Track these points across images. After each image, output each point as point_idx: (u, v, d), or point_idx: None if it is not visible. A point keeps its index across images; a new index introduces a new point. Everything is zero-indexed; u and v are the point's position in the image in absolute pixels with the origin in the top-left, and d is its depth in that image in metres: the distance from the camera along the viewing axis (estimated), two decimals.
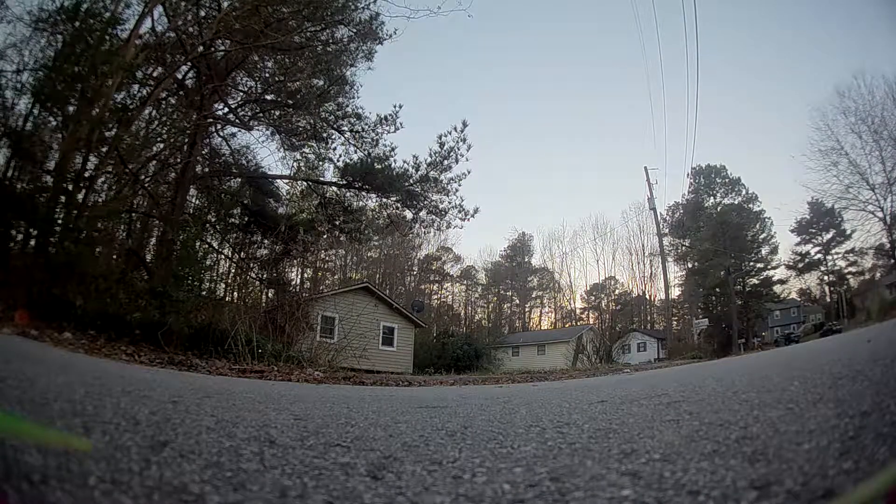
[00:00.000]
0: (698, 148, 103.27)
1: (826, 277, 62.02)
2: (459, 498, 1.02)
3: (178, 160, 15.46)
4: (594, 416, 2.32)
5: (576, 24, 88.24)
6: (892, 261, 40.67)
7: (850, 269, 60.00)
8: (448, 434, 1.92)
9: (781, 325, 59.49)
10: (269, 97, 17.58)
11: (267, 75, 17.59)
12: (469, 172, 18.39)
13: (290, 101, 16.98)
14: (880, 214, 38.67)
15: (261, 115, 17.99)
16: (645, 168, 41.17)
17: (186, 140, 14.92)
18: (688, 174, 54.97)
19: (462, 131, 17.70)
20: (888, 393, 1.71)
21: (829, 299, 60.61)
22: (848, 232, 52.56)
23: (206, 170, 17.67)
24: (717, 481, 1.00)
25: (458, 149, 17.72)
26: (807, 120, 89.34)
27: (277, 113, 18.02)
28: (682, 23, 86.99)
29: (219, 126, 17.39)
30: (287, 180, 19.41)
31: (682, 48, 79.88)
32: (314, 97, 16.70)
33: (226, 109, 17.17)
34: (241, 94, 17.76)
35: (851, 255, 56.77)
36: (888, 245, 40.59)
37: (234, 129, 18.01)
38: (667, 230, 54.96)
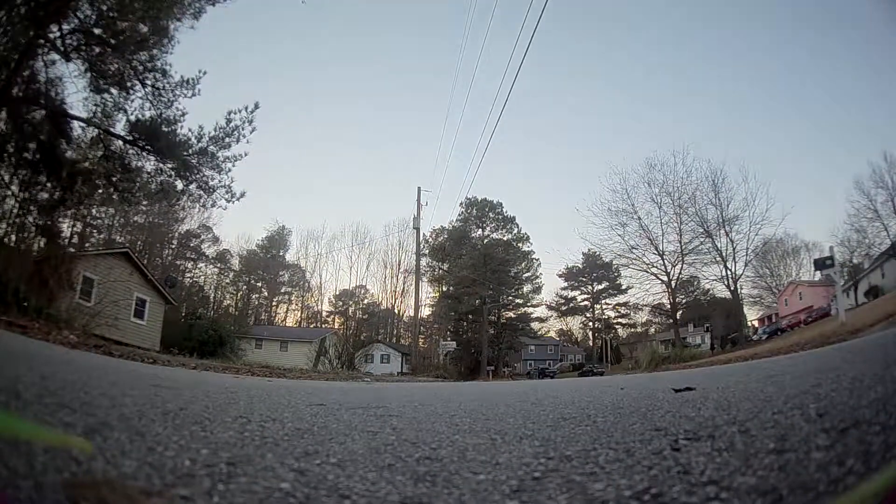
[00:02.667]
0: (482, 182, 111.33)
1: (591, 324, 69.46)
2: None
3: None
4: (303, 416, 2.56)
5: (400, 34, 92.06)
6: (671, 320, 44.66)
7: (621, 320, 68.70)
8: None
9: (536, 359, 64.59)
10: (97, 31, 15.65)
11: (105, 8, 15.54)
12: (246, 154, 18.00)
13: (113, 41, 15.56)
14: (664, 278, 42.06)
15: (84, 47, 15.88)
16: (419, 188, 42.76)
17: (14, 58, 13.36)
18: (461, 203, 57.34)
19: (252, 112, 17.55)
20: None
21: (591, 343, 67.62)
22: (623, 287, 57.96)
23: (21, 94, 15.35)
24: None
25: (244, 129, 17.49)
26: (603, 180, 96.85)
27: (98, 50, 16.12)
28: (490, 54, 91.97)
29: (46, 50, 15.32)
30: (82, 123, 17.15)
31: (496, 73, 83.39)
32: (133, 42, 15.55)
33: (59, 34, 15.16)
34: (77, 20, 15.43)
35: (624, 308, 64.80)
36: (668, 306, 44.54)
37: (57, 57, 15.76)
38: (426, 251, 56.40)
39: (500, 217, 61.60)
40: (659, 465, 1.28)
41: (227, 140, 17.15)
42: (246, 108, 17.32)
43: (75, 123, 17.41)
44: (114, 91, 16.81)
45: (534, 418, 2.55)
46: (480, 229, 61.40)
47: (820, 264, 15.60)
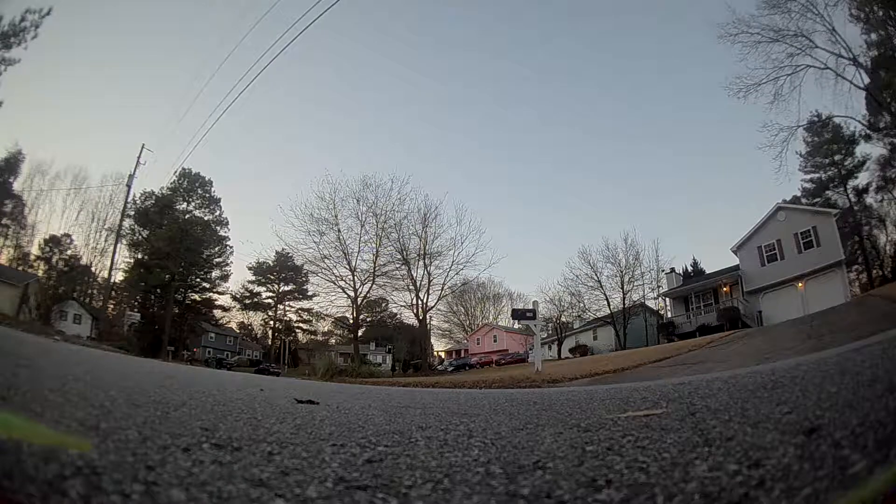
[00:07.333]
0: (207, 157, 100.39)
1: (273, 323, 68.23)
2: None
3: None
4: None
5: None
6: (352, 335, 45.15)
7: (302, 325, 68.70)
8: None
9: (216, 347, 61.62)
10: None
11: None
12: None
13: None
14: (351, 293, 42.38)
15: None
16: (143, 145, 38.57)
17: None
18: (176, 172, 53.02)
19: (43, 16, 16.56)
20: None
21: (270, 342, 66.26)
22: (309, 293, 57.90)
23: None
24: None
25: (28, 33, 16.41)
26: (313, 184, 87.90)
27: None
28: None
29: None
30: None
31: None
32: None
33: None
34: None
35: (307, 313, 64.66)
36: (351, 321, 45.31)
37: None
38: (132, 213, 51.35)
39: (208, 196, 58.25)
40: None
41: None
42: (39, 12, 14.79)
43: None
44: None
45: None
46: (186, 203, 57.16)
47: (519, 314, 16.69)
